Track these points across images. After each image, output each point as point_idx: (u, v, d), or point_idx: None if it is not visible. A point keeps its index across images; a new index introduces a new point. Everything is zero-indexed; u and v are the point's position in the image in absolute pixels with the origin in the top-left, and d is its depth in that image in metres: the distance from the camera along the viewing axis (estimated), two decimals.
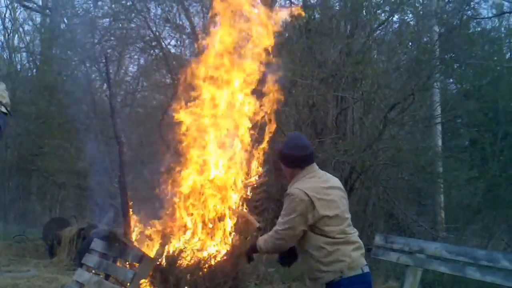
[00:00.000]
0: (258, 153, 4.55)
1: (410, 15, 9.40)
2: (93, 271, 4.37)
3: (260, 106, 4.57)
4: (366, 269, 2.95)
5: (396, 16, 9.12)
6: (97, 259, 4.37)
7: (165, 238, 4.21)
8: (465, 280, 6.54)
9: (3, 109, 2.40)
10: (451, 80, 11.56)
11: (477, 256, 4.83)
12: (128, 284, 3.77)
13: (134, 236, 4.41)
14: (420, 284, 6.48)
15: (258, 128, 4.67)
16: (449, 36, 8.14)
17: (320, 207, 2.87)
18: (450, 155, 9.59)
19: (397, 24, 9.46)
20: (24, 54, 15.33)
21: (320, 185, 2.99)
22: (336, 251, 2.87)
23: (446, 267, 5.08)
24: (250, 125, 4.55)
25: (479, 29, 10.19)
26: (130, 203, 4.32)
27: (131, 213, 4.26)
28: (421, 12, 8.97)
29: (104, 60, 10.33)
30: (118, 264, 4.23)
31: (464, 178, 8.88)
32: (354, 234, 3.00)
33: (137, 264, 3.83)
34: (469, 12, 9.32)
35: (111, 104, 4.44)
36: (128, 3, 9.94)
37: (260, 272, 6.68)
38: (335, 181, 3.15)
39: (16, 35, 15.96)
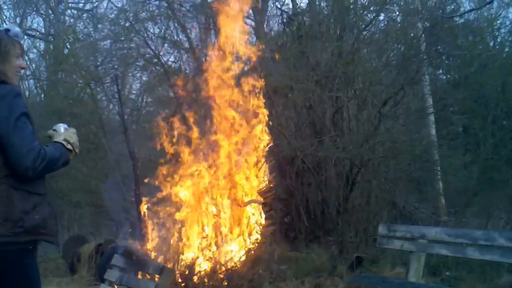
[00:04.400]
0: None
1: (396, 13, 9.52)
2: (116, 286, 4.43)
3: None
4: None
5: (382, 15, 9.22)
6: (118, 274, 4.42)
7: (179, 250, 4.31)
8: (467, 261, 6.65)
9: (69, 147, 2.54)
10: (440, 71, 11.66)
11: (475, 237, 4.91)
12: None
13: (151, 246, 4.49)
14: (426, 268, 6.60)
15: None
16: (432, 30, 8.21)
17: None
18: (444, 143, 9.67)
19: (384, 23, 9.54)
20: (31, 81, 15.50)
21: None
22: None
23: (447, 250, 5.16)
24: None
25: (462, 20, 10.27)
26: (146, 215, 4.41)
27: (147, 225, 4.35)
28: (403, 11, 9.05)
29: (109, 81, 10.49)
30: (139, 276, 4.30)
31: (458, 163, 8.94)
32: None
33: (157, 276, 3.91)
34: (451, 6, 9.45)
35: (123, 122, 4.53)
36: (126, 24, 10.07)
37: (273, 270, 6.76)
38: None
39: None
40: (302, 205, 8.68)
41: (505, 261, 4.84)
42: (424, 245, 5.25)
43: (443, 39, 8.66)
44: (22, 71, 2.56)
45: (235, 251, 4.34)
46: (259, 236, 4.48)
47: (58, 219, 2.57)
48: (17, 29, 2.51)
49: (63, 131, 2.62)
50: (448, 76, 11.77)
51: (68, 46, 11.56)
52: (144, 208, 4.34)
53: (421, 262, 5.31)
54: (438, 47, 8.76)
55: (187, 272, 4.03)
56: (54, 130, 2.64)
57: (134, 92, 12.94)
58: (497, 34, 11.48)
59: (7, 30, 2.47)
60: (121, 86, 11.32)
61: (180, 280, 4.04)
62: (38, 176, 2.34)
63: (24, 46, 14.77)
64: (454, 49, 9.23)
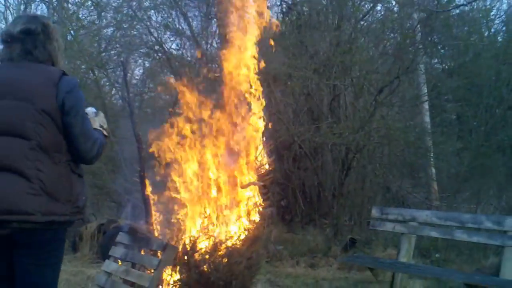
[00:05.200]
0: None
1: (393, 3, 9.63)
2: (120, 261, 4.60)
3: None
4: None
5: (380, 6, 9.34)
6: (123, 250, 4.58)
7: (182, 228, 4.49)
8: (456, 244, 6.87)
9: (105, 132, 2.68)
10: (436, 60, 11.79)
11: (463, 220, 5.14)
12: (153, 270, 4.03)
13: (155, 227, 4.67)
14: (417, 250, 6.82)
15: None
16: (427, 21, 8.34)
17: None
18: (437, 130, 9.85)
19: (382, 13, 9.66)
20: None
21: None
22: None
23: (437, 232, 5.40)
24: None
25: (457, 11, 10.39)
26: (150, 196, 4.59)
27: (152, 205, 4.53)
28: (399, 2, 9.17)
29: (112, 67, 10.61)
30: (142, 253, 4.48)
31: (451, 150, 9.14)
32: None
33: (160, 252, 4.09)
34: None
35: (130, 106, 4.71)
36: (129, 12, 10.17)
37: (270, 250, 6.98)
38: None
39: None
40: (299, 189, 8.89)
41: (491, 243, 5.07)
42: (415, 227, 5.46)
43: (438, 29, 8.80)
44: None
45: (235, 231, 4.52)
46: (257, 217, 4.66)
47: None
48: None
49: (94, 116, 2.71)
50: (443, 65, 11.91)
51: (73, 33, 11.62)
52: (148, 189, 4.51)
53: (411, 243, 5.51)
54: (434, 37, 8.89)
55: (189, 249, 4.21)
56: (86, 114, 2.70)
57: (136, 77, 13.05)
58: (491, 24, 11.63)
59: (55, 23, 2.66)
60: (123, 71, 11.45)
61: (182, 257, 4.22)
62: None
63: None
64: (449, 39, 9.37)
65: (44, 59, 2.50)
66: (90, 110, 2.73)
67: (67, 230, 2.57)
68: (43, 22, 2.53)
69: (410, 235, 5.49)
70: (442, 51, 11.17)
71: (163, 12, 10.03)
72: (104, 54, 10.74)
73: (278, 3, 10.74)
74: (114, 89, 12.24)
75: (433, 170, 9.62)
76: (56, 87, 2.38)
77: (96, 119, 2.70)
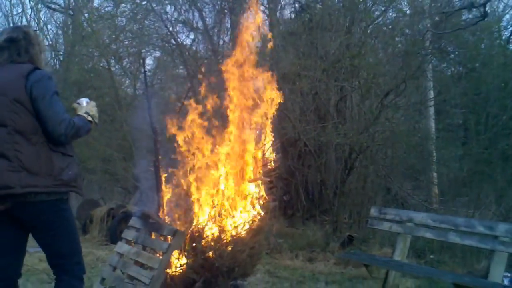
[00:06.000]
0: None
1: (405, 9, 9.79)
2: (132, 243, 4.91)
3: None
4: None
5: (390, 12, 9.54)
6: (135, 234, 4.88)
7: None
8: (451, 247, 7.14)
9: (90, 118, 3.11)
10: (445, 64, 11.92)
11: (457, 223, 5.40)
12: (163, 253, 4.33)
13: (166, 213, 4.97)
14: (412, 250, 7.11)
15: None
16: (437, 28, 8.50)
17: None
18: (441, 135, 10.06)
19: (391, 19, 9.83)
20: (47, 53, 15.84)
21: None
22: None
23: (431, 233, 5.64)
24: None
25: (470, 16, 10.50)
26: (163, 184, 4.88)
27: (163, 193, 4.83)
28: (408, 12, 9.35)
29: (127, 57, 10.89)
30: (153, 237, 4.78)
31: (450, 155, 9.35)
32: None
33: (170, 238, 4.39)
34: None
35: (148, 99, 5.03)
36: (145, 5, 10.44)
37: (271, 243, 7.27)
38: None
39: (40, 34, 16.55)
40: (302, 185, 9.18)
41: (482, 246, 5.32)
42: (411, 228, 5.72)
43: (447, 37, 8.96)
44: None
45: (240, 221, 4.81)
46: (261, 210, 4.95)
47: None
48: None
49: (85, 105, 3.21)
50: (453, 69, 12.03)
51: (91, 24, 11.87)
52: (162, 178, 4.81)
53: (406, 243, 5.78)
54: (442, 43, 9.06)
55: (196, 236, 4.52)
56: (78, 103, 3.23)
57: (147, 68, 13.32)
58: (502, 33, 11.69)
59: (35, 30, 3.14)
60: (143, 67, 11.73)
61: (189, 242, 4.53)
62: (69, 141, 2.96)
63: (43, 18, 15.20)
64: (459, 44, 9.50)
65: (25, 61, 3.00)
66: (82, 100, 3.23)
67: (64, 202, 2.99)
68: (24, 31, 3.05)
69: (405, 235, 5.76)
70: (452, 55, 11.27)
71: (179, 7, 10.28)
72: (119, 45, 11.02)
73: (292, 2, 11.00)
74: (128, 79, 12.53)
75: (435, 174, 9.86)
76: (26, 78, 2.86)
77: (84, 107, 3.17)
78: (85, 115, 3.13)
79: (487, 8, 6.46)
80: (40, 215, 2.91)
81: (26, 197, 2.82)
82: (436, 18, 8.89)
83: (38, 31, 3.13)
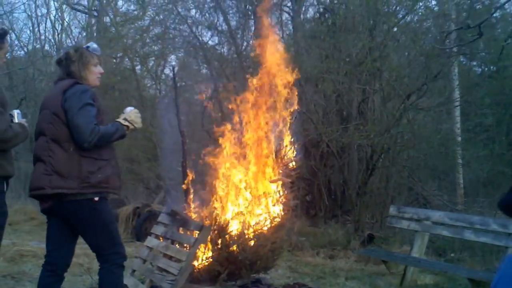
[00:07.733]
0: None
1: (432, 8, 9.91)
2: (161, 238, 5.35)
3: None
4: None
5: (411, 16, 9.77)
6: (163, 229, 5.33)
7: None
8: (470, 245, 7.42)
9: (126, 123, 3.47)
10: (474, 63, 12.03)
11: (472, 221, 5.72)
12: (190, 247, 4.76)
13: (193, 210, 5.43)
14: (432, 249, 7.42)
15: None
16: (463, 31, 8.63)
17: None
18: (466, 136, 10.26)
19: (414, 22, 10.03)
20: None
21: None
22: None
23: (448, 231, 5.98)
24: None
25: (500, 13, 10.60)
26: (190, 184, 5.34)
27: (191, 191, 5.29)
28: (431, 17, 9.54)
29: (153, 59, 11.39)
30: (180, 232, 5.21)
31: (473, 156, 9.54)
32: None
33: (197, 232, 4.82)
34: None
35: (177, 105, 5.48)
36: (171, 8, 10.94)
37: (293, 240, 7.64)
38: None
39: (64, 35, 17.33)
40: (324, 186, 9.53)
41: (496, 243, 5.64)
42: (428, 226, 6.08)
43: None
44: (99, 74, 3.59)
45: (262, 218, 5.23)
46: (283, 208, 5.36)
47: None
48: (95, 45, 3.59)
49: (127, 112, 3.58)
50: (482, 67, 12.11)
51: (117, 28, 12.38)
52: (189, 177, 5.26)
53: (424, 241, 6.13)
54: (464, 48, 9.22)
55: (221, 231, 4.96)
56: (123, 112, 3.62)
57: (169, 68, 13.78)
58: None
59: (88, 47, 3.55)
60: (163, 66, 12.24)
61: (215, 237, 4.97)
62: (94, 147, 3.31)
63: (67, 18, 15.80)
64: (487, 41, 9.59)
65: (72, 76, 3.49)
66: (128, 108, 3.62)
67: (96, 203, 3.36)
68: (66, 52, 3.57)
69: (423, 233, 6.11)
70: (483, 53, 11.32)
71: (204, 11, 10.73)
72: (145, 48, 11.52)
73: (315, 3, 11.33)
74: (153, 82, 13.06)
75: (460, 175, 10.09)
76: (63, 94, 3.32)
77: (124, 114, 3.55)
78: (122, 121, 3.49)
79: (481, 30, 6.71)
80: (74, 214, 3.37)
81: (57, 198, 3.30)
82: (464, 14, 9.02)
83: (83, 48, 3.54)
